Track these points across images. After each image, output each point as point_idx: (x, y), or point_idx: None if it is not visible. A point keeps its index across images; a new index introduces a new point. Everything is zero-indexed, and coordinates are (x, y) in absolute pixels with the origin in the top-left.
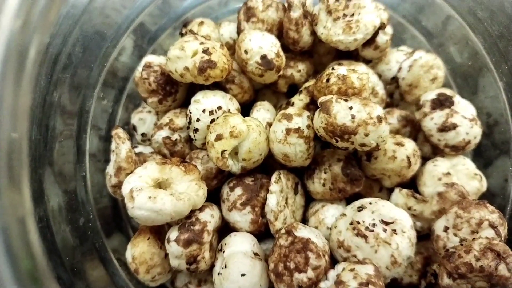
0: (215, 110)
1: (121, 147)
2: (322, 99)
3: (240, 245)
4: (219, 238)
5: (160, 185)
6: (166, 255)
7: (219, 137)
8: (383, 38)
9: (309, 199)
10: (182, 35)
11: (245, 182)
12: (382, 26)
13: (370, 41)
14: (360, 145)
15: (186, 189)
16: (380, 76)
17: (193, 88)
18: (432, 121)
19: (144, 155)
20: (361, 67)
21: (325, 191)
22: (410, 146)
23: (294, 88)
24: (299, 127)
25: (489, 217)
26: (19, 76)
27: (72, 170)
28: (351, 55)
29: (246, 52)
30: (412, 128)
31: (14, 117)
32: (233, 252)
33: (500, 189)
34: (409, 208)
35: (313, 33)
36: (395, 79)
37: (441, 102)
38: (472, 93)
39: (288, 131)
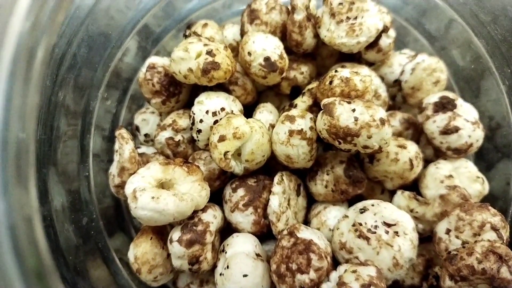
0: (218, 112)
1: (124, 147)
2: (325, 101)
3: (242, 245)
4: (221, 239)
5: (163, 185)
6: (168, 255)
7: (222, 138)
8: (386, 41)
9: (311, 201)
10: (186, 36)
11: (247, 183)
12: (385, 29)
13: (373, 44)
14: (363, 147)
15: (189, 189)
16: (382, 79)
17: (196, 90)
18: (434, 124)
19: (147, 156)
20: (364, 70)
21: (327, 193)
22: (412, 148)
23: (297, 90)
24: (302, 129)
25: (491, 219)
26: (27, 77)
27: (76, 170)
28: (354, 58)
29: (249, 54)
30: (415, 131)
31: (22, 117)
32: (235, 252)
33: (502, 192)
34: (411, 210)
35: (316, 35)
36: (397, 82)
37: (444, 105)
38: (474, 97)
39: (291, 133)
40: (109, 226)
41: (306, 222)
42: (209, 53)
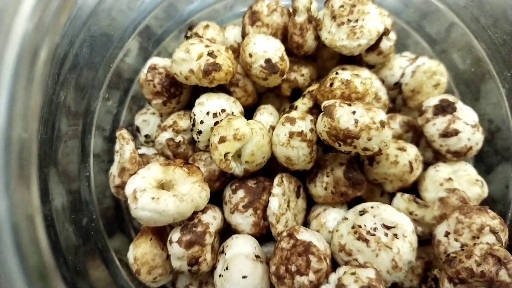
0: (219, 113)
1: (125, 148)
2: (325, 103)
3: (242, 247)
4: (221, 240)
5: (163, 186)
6: (168, 256)
7: (222, 140)
8: (386, 44)
9: (310, 203)
10: (187, 38)
11: (247, 185)
12: (386, 32)
13: (374, 47)
14: (363, 149)
15: (189, 190)
16: (383, 81)
17: (197, 91)
18: (434, 127)
19: (147, 157)
20: (365, 72)
21: (327, 195)
22: (412, 151)
23: (297, 92)
24: (302, 131)
25: (490, 222)
26: (30, 77)
27: (76, 170)
28: (355, 60)
29: (250, 55)
30: (414, 134)
31: (25, 117)
32: (235, 254)
33: (501, 195)
34: (411, 213)
35: (317, 37)
36: (398, 85)
37: (444, 108)
38: (474, 100)
39: (291, 135)
40: (109, 227)
41: (306, 224)
42: (211, 54)
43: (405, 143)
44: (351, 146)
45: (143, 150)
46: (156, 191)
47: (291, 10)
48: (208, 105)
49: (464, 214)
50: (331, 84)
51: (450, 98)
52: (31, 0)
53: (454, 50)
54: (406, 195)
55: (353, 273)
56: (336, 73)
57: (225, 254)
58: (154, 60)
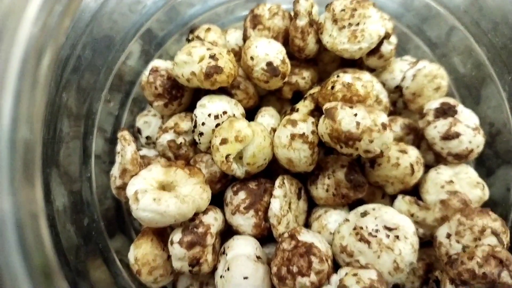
0: (221, 115)
1: (126, 149)
2: (327, 105)
3: (243, 248)
4: (222, 241)
5: (164, 187)
6: (169, 257)
7: (224, 141)
8: (387, 48)
9: (312, 205)
10: (188, 41)
11: (249, 186)
12: (386, 36)
13: (375, 50)
14: (365, 151)
15: (190, 192)
16: (383, 85)
17: (198, 93)
18: (435, 130)
19: (148, 158)
20: (366, 75)
21: (328, 197)
22: (413, 153)
23: (298, 95)
24: (304, 133)
25: (492, 224)
26: (35, 79)
27: (78, 171)
28: (355, 64)
29: (252, 58)
30: (415, 136)
31: (30, 119)
32: (236, 255)
33: (502, 198)
34: (412, 215)
35: (319, 41)
36: (398, 88)
37: (445, 111)
38: (475, 103)
39: (293, 137)
40: (109, 227)
41: (307, 225)
42: (212, 57)
43: (407, 145)
44: (353, 148)
45: (144, 151)
46: (158, 192)
47: (292, 13)
48: (210, 107)
49: (465, 216)
50: (333, 87)
51: (451, 101)
52: (36, 4)
53: (455, 54)
54: (408, 197)
55: (355, 274)
56: (338, 76)
57: (226, 255)
58: (156, 63)
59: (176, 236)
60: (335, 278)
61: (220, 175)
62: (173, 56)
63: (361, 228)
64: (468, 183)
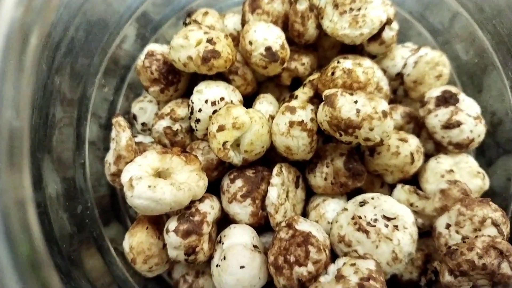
0: (218, 101)
1: (121, 135)
2: (327, 92)
3: (240, 237)
4: (218, 230)
5: (160, 174)
6: (164, 245)
7: (221, 128)
8: (389, 34)
9: (310, 193)
10: (185, 24)
11: (246, 174)
12: (388, 22)
13: (376, 36)
14: (364, 139)
15: (186, 179)
16: (384, 72)
17: (195, 79)
18: (436, 118)
19: (144, 145)
20: (367, 62)
21: (327, 186)
22: (413, 142)
23: (297, 82)
24: (302, 120)
25: (492, 215)
26: (21, 63)
27: (71, 157)
28: (356, 50)
29: (250, 43)
30: (416, 125)
31: (16, 105)
32: (233, 244)
33: (503, 188)
34: (411, 205)
35: (319, 26)
36: (399, 75)
37: (446, 99)
38: (477, 92)
39: (292, 124)
40: (104, 215)
41: (304, 214)
42: (210, 41)
43: (407, 134)
44: (352, 136)
45: (140, 138)
46: (153, 179)
47: None
48: (207, 93)
49: (465, 206)
50: (333, 73)
51: (453, 89)
52: None
53: (458, 41)
54: (407, 187)
55: (353, 264)
56: (338, 62)
57: (223, 243)
58: (151, 47)
59: (172, 224)
60: (332, 268)
61: (216, 163)
62: (170, 41)
63: (360, 217)
64: (469, 172)
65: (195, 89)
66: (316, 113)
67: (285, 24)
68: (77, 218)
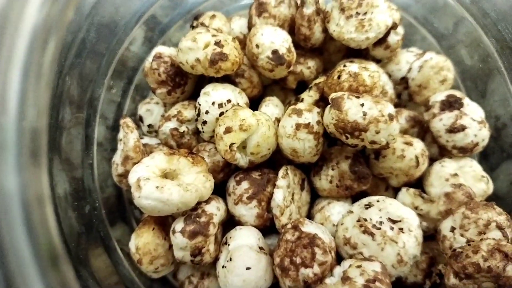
0: (225, 103)
1: (129, 136)
2: (333, 95)
3: (246, 238)
4: (224, 231)
5: (167, 175)
6: (170, 246)
7: (228, 130)
8: (394, 38)
9: (315, 196)
10: (193, 27)
11: (252, 176)
12: (394, 26)
13: (382, 41)
14: (370, 142)
15: (193, 180)
16: (389, 76)
17: (202, 81)
18: (440, 122)
19: (150, 147)
20: (372, 66)
21: (332, 188)
22: (418, 146)
23: (302, 85)
24: (309, 123)
25: (497, 218)
26: (40, 67)
27: (80, 157)
28: (361, 54)
29: (257, 46)
30: (420, 129)
31: (37, 104)
32: (239, 245)
33: (506, 192)
34: (416, 208)
35: (325, 30)
36: (404, 80)
37: (451, 104)
38: (481, 96)
39: (298, 126)
40: (110, 216)
41: (309, 217)
42: (217, 43)
43: (412, 137)
44: (359, 139)
45: (146, 140)
46: (160, 180)
47: (298, 1)
48: (214, 95)
49: (470, 209)
50: (339, 77)
51: (457, 93)
52: None
53: (462, 45)
54: (412, 190)
55: (359, 266)
56: (344, 66)
57: (229, 245)
58: (159, 49)
59: (178, 225)
60: (338, 270)
61: (223, 165)
62: (176, 44)
63: (365, 220)
64: (473, 176)
65: (202, 91)
66: (322, 116)
67: (292, 27)
68: (85, 218)
